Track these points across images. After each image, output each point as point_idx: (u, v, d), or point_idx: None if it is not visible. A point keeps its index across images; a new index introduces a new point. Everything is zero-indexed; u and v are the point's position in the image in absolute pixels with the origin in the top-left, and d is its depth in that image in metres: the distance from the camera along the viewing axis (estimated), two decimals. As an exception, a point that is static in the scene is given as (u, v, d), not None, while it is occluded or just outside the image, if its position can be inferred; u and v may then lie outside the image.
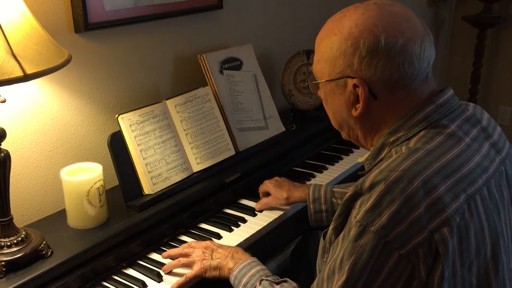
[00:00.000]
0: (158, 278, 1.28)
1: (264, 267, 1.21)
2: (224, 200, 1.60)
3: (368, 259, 0.89)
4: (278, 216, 1.54)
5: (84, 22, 1.43)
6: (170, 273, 1.30)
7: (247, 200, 1.63)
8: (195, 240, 1.39)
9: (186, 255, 1.30)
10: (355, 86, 1.00)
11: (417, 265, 0.87)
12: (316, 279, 0.98)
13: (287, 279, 1.16)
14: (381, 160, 1.00)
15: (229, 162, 1.66)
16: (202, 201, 1.54)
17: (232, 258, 1.24)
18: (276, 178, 1.62)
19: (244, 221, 1.52)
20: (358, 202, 0.92)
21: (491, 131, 1.06)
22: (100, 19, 1.48)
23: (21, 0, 1.10)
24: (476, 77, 3.40)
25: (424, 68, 1.00)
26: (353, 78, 0.99)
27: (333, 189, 1.51)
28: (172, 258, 1.33)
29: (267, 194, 1.60)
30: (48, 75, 1.12)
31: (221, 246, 1.30)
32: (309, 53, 2.03)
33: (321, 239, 1.10)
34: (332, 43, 1.00)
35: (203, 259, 1.26)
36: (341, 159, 1.92)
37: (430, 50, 1.00)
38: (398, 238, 0.87)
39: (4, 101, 1.14)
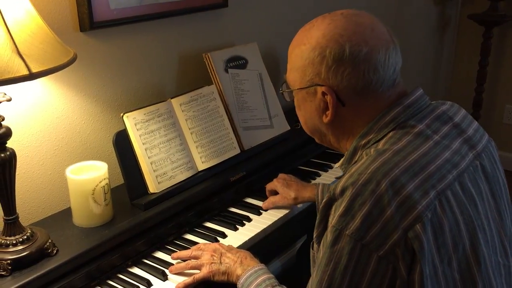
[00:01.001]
0: (163, 277, 1.28)
1: (271, 275, 1.21)
2: (229, 199, 1.60)
3: (347, 263, 0.90)
4: (284, 215, 1.54)
5: (89, 21, 1.43)
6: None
7: (252, 199, 1.63)
8: (204, 242, 1.39)
9: (195, 258, 1.30)
10: (323, 93, 1.03)
11: (397, 264, 0.88)
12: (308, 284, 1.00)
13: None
14: (355, 163, 1.01)
15: (234, 161, 1.66)
16: (207, 199, 1.54)
17: (240, 264, 1.24)
18: (284, 176, 1.62)
19: (249, 220, 1.52)
20: (333, 208, 0.94)
21: (465, 127, 1.07)
22: (105, 18, 1.48)
23: (27, -2, 1.10)
24: (482, 75, 3.38)
25: (390, 75, 1.02)
26: (322, 86, 1.03)
27: None
28: (181, 260, 1.32)
29: (274, 193, 1.59)
30: (53, 74, 1.12)
31: (230, 249, 1.30)
32: (314, 51, 2.02)
33: (311, 249, 1.11)
34: (302, 53, 1.04)
35: (212, 263, 1.26)
36: (346, 158, 1.92)
37: (395, 57, 1.03)
38: (374, 240, 0.88)
39: (9, 100, 1.14)
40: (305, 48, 1.03)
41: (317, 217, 0.99)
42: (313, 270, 1.02)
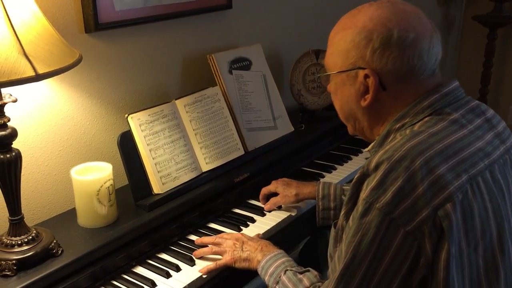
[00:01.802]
0: (167, 277, 1.28)
1: (289, 258, 1.25)
2: (233, 200, 1.60)
3: (374, 236, 0.92)
4: (287, 216, 1.54)
5: (94, 22, 1.44)
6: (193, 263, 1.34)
7: (256, 200, 1.63)
8: (227, 232, 1.42)
9: (218, 244, 1.34)
10: (365, 76, 1.04)
11: (422, 242, 0.90)
12: (332, 262, 1.02)
13: (310, 268, 1.19)
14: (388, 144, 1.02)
15: (238, 162, 1.66)
16: (211, 200, 1.54)
17: (261, 251, 1.28)
18: (283, 178, 1.62)
19: (253, 220, 1.52)
20: (365, 183, 0.96)
21: (496, 123, 1.10)
22: (110, 19, 1.49)
23: (33, 0, 1.11)
24: (486, 77, 3.37)
25: (432, 64, 1.04)
26: (364, 69, 1.03)
27: (343, 187, 1.52)
28: (204, 245, 1.37)
29: (267, 198, 1.59)
30: (59, 75, 1.13)
31: (251, 239, 1.34)
32: (318, 52, 2.02)
33: (332, 228, 1.13)
34: (346, 36, 1.05)
35: (234, 250, 1.31)
36: (350, 159, 1.92)
37: (437, 48, 1.05)
38: (403, 215, 0.90)
39: (15, 101, 1.15)
40: (351, 31, 1.04)
41: (348, 194, 1.01)
42: (337, 249, 1.04)
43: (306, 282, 1.15)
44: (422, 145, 0.95)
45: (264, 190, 1.60)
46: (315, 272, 1.18)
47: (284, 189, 1.56)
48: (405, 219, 0.90)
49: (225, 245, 1.33)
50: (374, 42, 1.01)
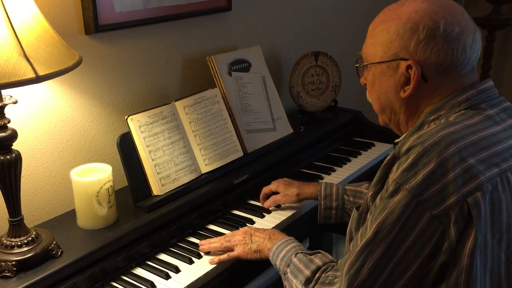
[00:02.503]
0: (166, 278, 1.28)
1: (300, 244, 1.27)
2: (232, 201, 1.61)
3: (399, 215, 0.93)
4: (286, 218, 1.55)
5: (94, 24, 1.44)
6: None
7: (255, 201, 1.63)
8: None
9: (227, 240, 1.36)
10: (408, 67, 1.05)
11: (447, 227, 0.91)
12: (354, 239, 1.03)
13: (321, 250, 1.20)
14: None
15: (237, 163, 1.67)
16: (210, 202, 1.55)
17: (270, 239, 1.30)
18: (284, 178, 1.62)
19: (252, 222, 1.52)
20: (396, 165, 0.98)
21: None
22: (110, 21, 1.49)
23: (33, 2, 1.11)
24: (485, 79, 3.38)
25: (473, 60, 1.06)
26: (407, 60, 1.04)
27: (345, 187, 1.52)
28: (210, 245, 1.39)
29: (268, 197, 1.59)
30: (59, 77, 1.13)
31: (258, 229, 1.36)
32: (317, 54, 2.03)
33: (354, 210, 1.15)
34: (390, 27, 1.06)
35: (244, 243, 1.33)
36: (349, 161, 1.92)
37: (479, 45, 1.07)
38: (431, 198, 0.91)
39: (15, 102, 1.15)
40: (394, 23, 1.05)
41: (376, 176, 1.03)
42: (362, 226, 1.03)
43: (318, 261, 1.14)
44: (457, 134, 0.96)
45: (265, 190, 1.60)
46: (327, 254, 1.18)
47: (285, 188, 1.57)
48: (433, 203, 0.91)
49: (235, 239, 1.34)
50: (419, 33, 1.02)
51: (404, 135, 1.12)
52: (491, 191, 0.93)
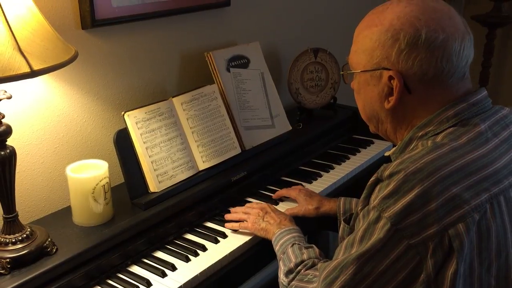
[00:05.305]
0: (163, 276, 1.27)
1: (301, 235, 1.32)
2: (230, 199, 1.59)
3: (377, 240, 0.91)
4: (284, 216, 1.53)
5: (91, 19, 1.43)
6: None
7: (253, 199, 1.62)
8: (257, 201, 1.55)
9: (246, 213, 1.46)
10: (390, 78, 1.01)
11: (424, 257, 0.88)
12: (338, 246, 1.03)
13: (313, 245, 1.24)
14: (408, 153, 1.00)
15: (235, 160, 1.65)
16: (208, 199, 1.53)
17: (279, 224, 1.37)
18: (306, 188, 1.61)
19: (250, 220, 1.51)
20: (378, 187, 0.95)
21: None
22: (107, 16, 1.47)
23: (28, -5, 1.09)
24: (485, 76, 3.37)
25: (462, 67, 1.00)
26: (389, 70, 1.00)
27: None
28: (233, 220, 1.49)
29: (275, 201, 1.57)
30: (54, 72, 1.12)
31: (275, 210, 1.44)
32: (317, 51, 2.01)
33: (343, 223, 1.22)
34: (372, 34, 1.01)
35: (256, 219, 1.41)
36: (348, 158, 1.91)
37: (469, 50, 1.01)
38: (409, 228, 0.88)
39: (10, 97, 1.14)
40: (377, 29, 1.00)
41: (364, 192, 1.01)
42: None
43: (305, 255, 1.20)
44: (442, 160, 0.91)
45: (284, 193, 1.59)
46: (318, 250, 1.22)
47: (305, 199, 1.53)
48: (411, 232, 0.88)
49: (252, 212, 1.44)
50: (400, 42, 0.97)
51: (394, 149, 1.08)
52: (479, 220, 0.89)
